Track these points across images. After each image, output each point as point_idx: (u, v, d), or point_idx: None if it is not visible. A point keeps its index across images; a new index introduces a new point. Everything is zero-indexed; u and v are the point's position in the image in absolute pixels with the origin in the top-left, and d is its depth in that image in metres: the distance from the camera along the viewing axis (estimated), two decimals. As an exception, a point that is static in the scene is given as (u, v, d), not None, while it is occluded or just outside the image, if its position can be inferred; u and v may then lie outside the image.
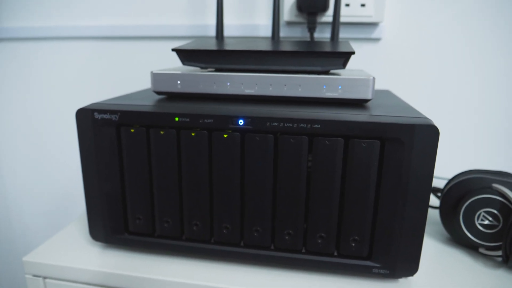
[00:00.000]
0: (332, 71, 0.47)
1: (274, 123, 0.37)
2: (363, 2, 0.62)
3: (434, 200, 0.64)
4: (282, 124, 0.37)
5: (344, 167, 0.38)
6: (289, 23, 0.67)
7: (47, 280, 0.45)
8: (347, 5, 0.63)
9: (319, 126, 0.36)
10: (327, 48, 0.45)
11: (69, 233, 0.51)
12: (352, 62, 0.69)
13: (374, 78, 0.41)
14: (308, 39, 0.68)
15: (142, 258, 0.45)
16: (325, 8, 0.61)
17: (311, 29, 0.63)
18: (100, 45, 0.78)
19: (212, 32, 0.71)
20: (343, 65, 0.43)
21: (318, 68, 0.43)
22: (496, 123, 0.69)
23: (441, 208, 0.49)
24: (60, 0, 0.77)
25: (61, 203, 0.93)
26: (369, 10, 0.62)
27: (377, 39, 0.67)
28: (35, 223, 0.96)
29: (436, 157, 0.72)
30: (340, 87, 0.41)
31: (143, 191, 0.43)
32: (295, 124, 0.37)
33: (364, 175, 0.37)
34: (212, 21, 0.71)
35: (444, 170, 0.72)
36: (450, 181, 0.51)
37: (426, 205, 0.37)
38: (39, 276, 0.45)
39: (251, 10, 0.69)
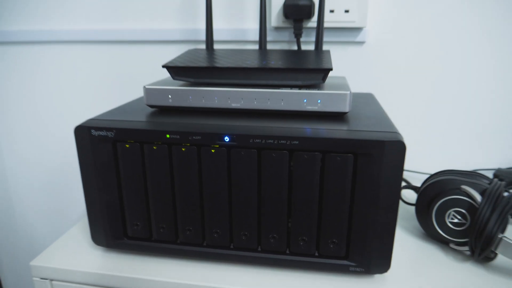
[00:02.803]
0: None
1: (256, 140, 0.40)
2: (347, 8, 0.64)
3: (414, 197, 0.68)
4: (264, 140, 0.40)
5: (321, 178, 0.41)
6: (277, 28, 0.70)
7: (54, 282, 0.49)
8: (332, 11, 0.65)
9: (297, 142, 0.40)
10: (308, 63, 0.48)
11: (72, 237, 0.55)
12: (338, 64, 0.72)
13: (351, 92, 0.44)
14: (295, 45, 0.70)
15: (141, 260, 0.49)
16: (309, 15, 0.63)
17: (298, 35, 0.66)
18: (93, 48, 0.80)
19: (204, 36, 0.73)
20: (323, 80, 0.46)
21: (300, 83, 0.46)
22: (479, 120, 0.72)
23: (416, 206, 0.53)
24: (52, 4, 0.78)
25: (63, 202, 0.97)
26: (353, 16, 0.65)
27: (361, 42, 0.69)
28: (39, 223, 1.00)
29: (423, 155, 0.76)
30: (319, 101, 0.44)
31: (140, 201, 0.47)
32: (276, 141, 0.40)
33: (339, 185, 0.41)
34: (204, 25, 0.73)
35: (430, 166, 0.76)
36: (425, 181, 0.55)
37: (395, 211, 0.41)
38: (46, 279, 0.49)
39: (240, 15, 0.71)
